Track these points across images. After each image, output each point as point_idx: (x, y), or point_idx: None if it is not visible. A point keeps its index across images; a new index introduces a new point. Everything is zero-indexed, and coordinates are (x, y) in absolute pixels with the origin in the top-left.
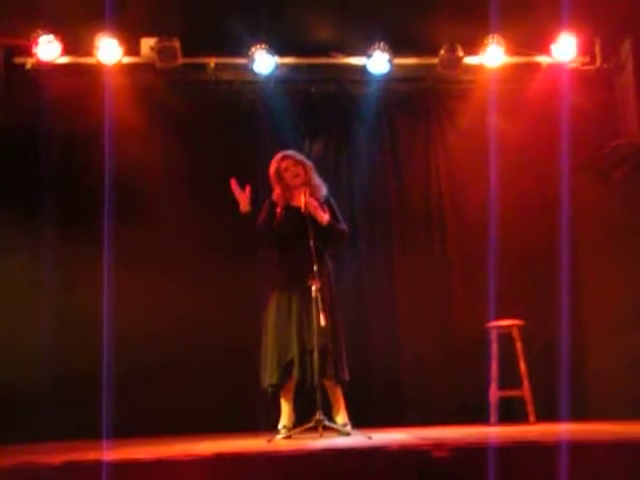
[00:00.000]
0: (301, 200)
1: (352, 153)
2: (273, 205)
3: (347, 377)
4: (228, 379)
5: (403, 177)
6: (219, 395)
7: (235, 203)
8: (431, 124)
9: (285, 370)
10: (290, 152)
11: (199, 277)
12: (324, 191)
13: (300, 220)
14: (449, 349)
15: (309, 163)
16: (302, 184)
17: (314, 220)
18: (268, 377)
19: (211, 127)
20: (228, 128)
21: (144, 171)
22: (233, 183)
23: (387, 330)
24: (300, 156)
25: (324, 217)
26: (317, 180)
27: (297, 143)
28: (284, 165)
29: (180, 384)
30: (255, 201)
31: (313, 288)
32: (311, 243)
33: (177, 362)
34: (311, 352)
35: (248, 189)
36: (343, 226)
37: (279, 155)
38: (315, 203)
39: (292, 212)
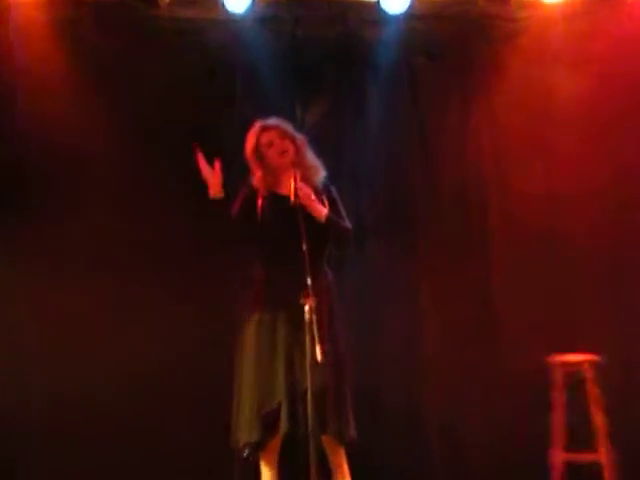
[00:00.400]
0: (290, 187)
1: (360, 123)
2: (253, 193)
3: (354, 435)
4: (187, 436)
5: (431, 157)
6: (175, 457)
7: (200, 186)
8: (470, 81)
9: (268, 423)
10: (274, 121)
11: (147, 293)
12: (321, 175)
13: (289, 215)
14: (493, 395)
15: (300, 136)
16: (291, 165)
17: (308, 215)
18: (244, 433)
19: (164, 83)
20: (187, 85)
21: (67, 143)
22: (199, 157)
23: (408, 367)
24: (287, 126)
25: (321, 210)
26: (312, 160)
27: (284, 109)
28: (266, 139)
29: (120, 444)
30: (228, 184)
31: (306, 308)
32: (304, 246)
33: (116, 413)
34: (304, 398)
35: (218, 165)
36: (347, 223)
37: (258, 125)
38: (308, 191)
39: (278, 203)
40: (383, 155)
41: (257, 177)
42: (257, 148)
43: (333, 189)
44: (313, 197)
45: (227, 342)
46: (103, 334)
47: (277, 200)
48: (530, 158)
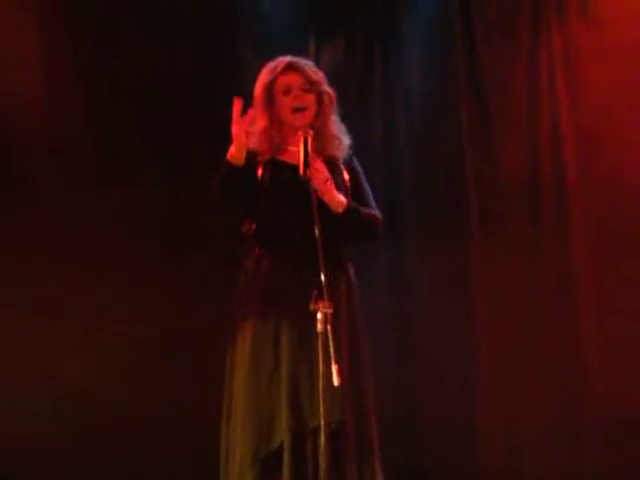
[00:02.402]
0: (300, 153)
1: (394, 75)
2: (250, 155)
3: None
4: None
5: (490, 126)
6: None
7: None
8: (543, 30)
9: (267, 467)
10: (302, 61)
11: (113, 297)
12: (345, 149)
13: (296, 190)
14: (572, 436)
15: (330, 90)
16: (305, 127)
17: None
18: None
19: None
20: (166, 24)
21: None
22: (237, 103)
23: (456, 395)
24: (318, 73)
25: (339, 200)
26: (336, 127)
27: (294, 48)
28: (285, 82)
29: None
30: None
31: (319, 316)
32: (316, 232)
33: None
34: (314, 434)
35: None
36: (374, 211)
37: (281, 61)
38: (323, 172)
39: (281, 174)
40: (422, 122)
41: (258, 128)
42: (270, 89)
43: (356, 163)
44: (329, 181)
45: (217, 358)
46: (78, 347)
47: (280, 169)
48: (627, 136)
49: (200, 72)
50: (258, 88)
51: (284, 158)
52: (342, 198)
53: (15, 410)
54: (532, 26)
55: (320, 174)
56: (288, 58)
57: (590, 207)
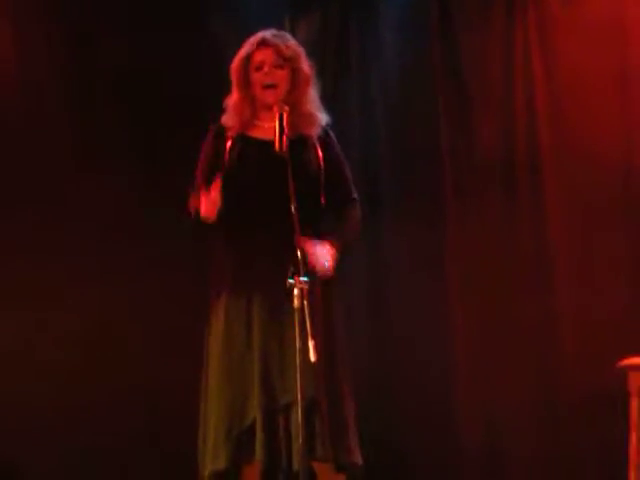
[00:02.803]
0: (275, 128)
1: (370, 52)
2: (220, 135)
3: (357, 460)
4: (146, 461)
5: (466, 102)
6: None
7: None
8: (518, 6)
9: (240, 446)
10: (278, 35)
11: (86, 281)
12: (319, 127)
13: (270, 165)
14: (549, 413)
15: (307, 67)
16: (277, 102)
17: (298, 164)
18: (209, 457)
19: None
20: (141, 5)
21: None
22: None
23: (433, 374)
24: (295, 48)
25: (329, 263)
26: (312, 104)
27: (269, 24)
28: (259, 58)
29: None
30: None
31: (295, 292)
32: (292, 207)
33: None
34: (287, 410)
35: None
36: (351, 205)
37: (259, 36)
38: (321, 255)
39: (254, 149)
40: (400, 96)
41: (231, 102)
42: (245, 65)
43: (332, 136)
44: (322, 256)
45: (194, 337)
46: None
47: (253, 145)
48: (601, 111)
49: (176, 51)
50: (234, 63)
51: (254, 134)
52: (327, 256)
53: (11, 400)
54: (507, 2)
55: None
56: (264, 33)
57: (565, 182)
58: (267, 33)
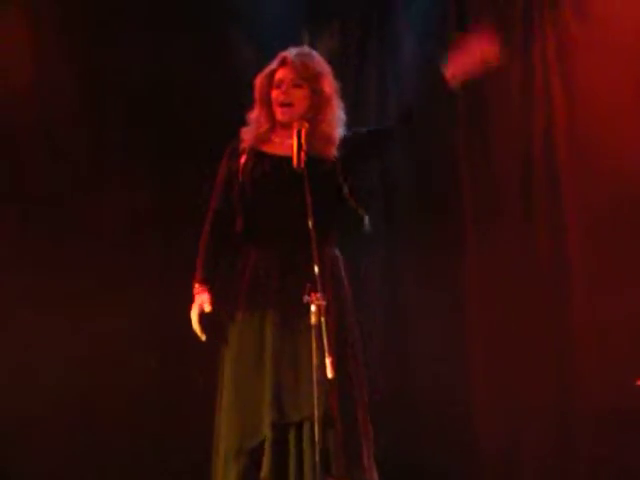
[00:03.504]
0: (293, 146)
1: (388, 58)
2: (234, 152)
3: (373, 478)
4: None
5: (486, 124)
6: None
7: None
8: (536, 25)
9: (252, 461)
10: (302, 53)
11: (101, 286)
12: (334, 148)
13: (286, 179)
14: (567, 424)
15: (332, 87)
16: (295, 119)
17: (315, 180)
18: (221, 474)
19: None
20: (159, 15)
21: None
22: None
23: (449, 388)
24: (317, 65)
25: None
26: (331, 125)
27: (287, 36)
28: (279, 76)
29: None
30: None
31: (313, 309)
32: (309, 223)
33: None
34: (299, 428)
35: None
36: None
37: (282, 54)
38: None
39: (270, 163)
40: (418, 113)
41: (253, 115)
42: (267, 83)
43: (348, 140)
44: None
45: (209, 355)
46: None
47: (267, 160)
48: (620, 130)
49: (193, 62)
50: (257, 79)
51: (268, 149)
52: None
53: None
54: (525, 22)
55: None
56: (289, 51)
57: (583, 201)
58: (292, 52)
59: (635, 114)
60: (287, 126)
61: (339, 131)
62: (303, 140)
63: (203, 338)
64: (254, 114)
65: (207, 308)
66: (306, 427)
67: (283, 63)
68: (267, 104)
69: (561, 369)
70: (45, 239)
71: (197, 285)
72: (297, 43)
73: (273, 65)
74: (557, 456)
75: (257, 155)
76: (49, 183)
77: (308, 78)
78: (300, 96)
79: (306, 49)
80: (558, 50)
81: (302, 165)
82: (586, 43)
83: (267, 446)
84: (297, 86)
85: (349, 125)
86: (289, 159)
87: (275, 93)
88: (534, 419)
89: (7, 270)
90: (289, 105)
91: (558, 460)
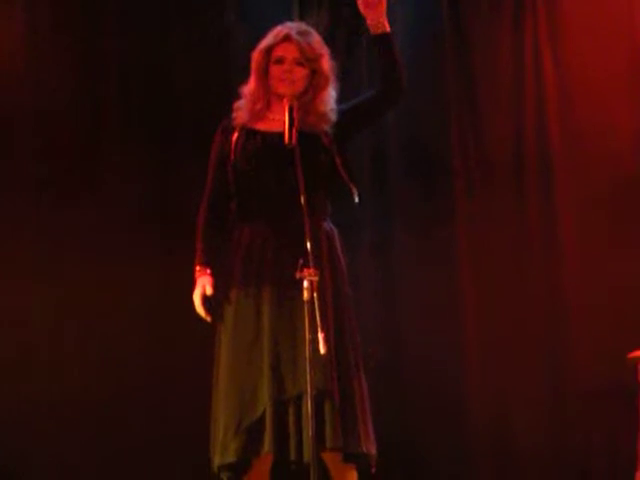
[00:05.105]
0: (285, 121)
1: None
2: (227, 128)
3: (369, 450)
4: (154, 456)
5: (478, 101)
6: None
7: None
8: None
9: (250, 437)
10: (303, 31)
11: (102, 279)
12: (328, 125)
13: (278, 156)
14: (559, 402)
15: (330, 67)
16: (294, 96)
17: (307, 156)
18: (219, 450)
19: None
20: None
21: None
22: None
23: (442, 365)
24: (319, 46)
25: (384, 22)
26: (327, 105)
27: (278, 10)
28: (280, 52)
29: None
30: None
31: (305, 284)
32: (302, 199)
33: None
34: (298, 402)
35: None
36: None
37: (283, 30)
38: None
39: (262, 139)
40: (409, 89)
41: (248, 89)
42: (265, 56)
43: (340, 116)
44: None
45: (204, 331)
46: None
47: (260, 136)
48: (612, 106)
49: (184, 44)
50: (255, 53)
51: (261, 126)
52: (387, 24)
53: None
54: (517, 12)
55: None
56: (290, 29)
57: (575, 178)
58: (293, 29)
59: (626, 89)
60: (281, 102)
61: (332, 108)
62: (295, 116)
63: (208, 319)
64: (249, 88)
65: (209, 290)
66: (305, 401)
67: (285, 39)
68: (264, 78)
69: (553, 344)
70: (39, 226)
71: (198, 268)
72: (287, 18)
73: (271, 40)
74: (548, 432)
75: (249, 132)
76: (44, 170)
77: (310, 59)
78: (301, 75)
79: (304, 26)
80: (549, 24)
81: (294, 141)
82: (578, 17)
83: (267, 421)
84: (300, 64)
85: (339, 99)
86: (281, 135)
87: (276, 68)
88: (525, 394)
89: None
90: (293, 82)
91: (549, 436)
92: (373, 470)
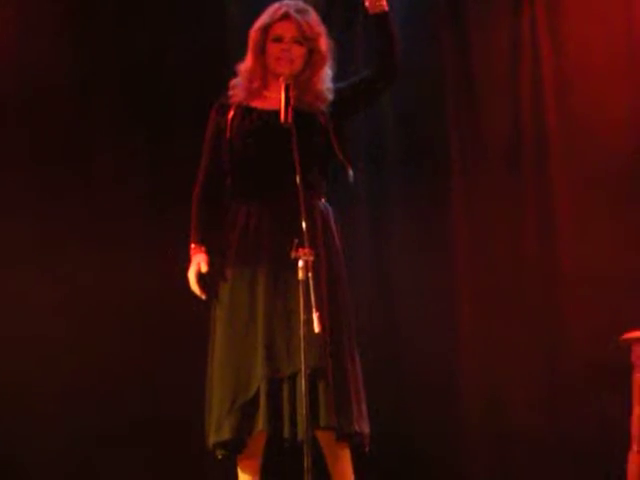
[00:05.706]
0: (281, 99)
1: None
2: (222, 107)
3: (364, 430)
4: (150, 436)
5: (474, 83)
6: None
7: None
8: None
9: (244, 415)
10: (301, 9)
11: (94, 261)
12: (324, 104)
13: (274, 134)
14: (551, 384)
15: (327, 46)
16: (289, 74)
17: (303, 134)
18: (214, 428)
19: None
20: None
21: None
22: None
23: (437, 344)
24: (317, 26)
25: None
26: (323, 84)
27: None
28: (278, 30)
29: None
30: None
31: (300, 264)
32: (297, 179)
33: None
34: (292, 381)
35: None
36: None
37: (281, 8)
38: None
39: (258, 118)
40: (406, 72)
41: (244, 66)
42: (263, 34)
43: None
44: None
45: (199, 312)
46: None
47: (256, 114)
48: (609, 89)
49: (179, 27)
50: (252, 30)
51: (257, 104)
52: (385, 3)
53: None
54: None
55: None
56: (288, 7)
57: (571, 160)
58: (291, 7)
59: (624, 72)
60: (278, 81)
61: (329, 87)
62: (291, 95)
63: (204, 297)
64: (246, 66)
65: (204, 268)
66: (299, 380)
67: (284, 17)
68: (261, 56)
69: (548, 324)
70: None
71: (193, 246)
72: None
73: (269, 18)
74: (544, 411)
75: (245, 110)
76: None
77: (309, 37)
78: (299, 53)
79: (302, 4)
80: (547, 7)
81: (290, 120)
82: (575, 0)
83: (262, 400)
84: (298, 43)
85: (335, 78)
86: (277, 114)
87: (274, 46)
88: (520, 376)
89: None
90: (291, 61)
91: (544, 415)
92: (367, 449)
